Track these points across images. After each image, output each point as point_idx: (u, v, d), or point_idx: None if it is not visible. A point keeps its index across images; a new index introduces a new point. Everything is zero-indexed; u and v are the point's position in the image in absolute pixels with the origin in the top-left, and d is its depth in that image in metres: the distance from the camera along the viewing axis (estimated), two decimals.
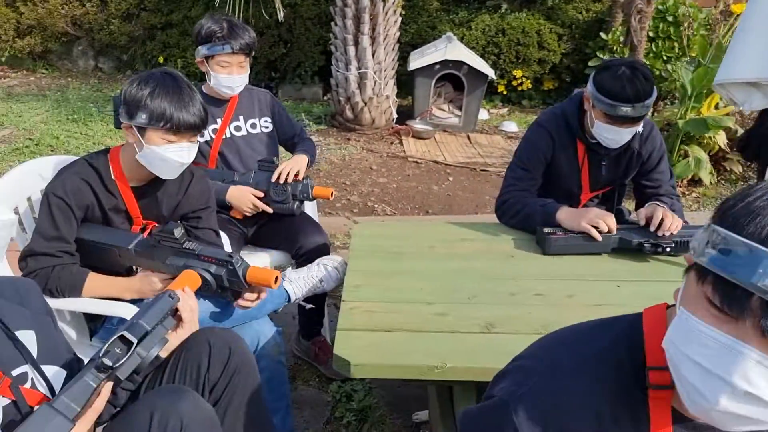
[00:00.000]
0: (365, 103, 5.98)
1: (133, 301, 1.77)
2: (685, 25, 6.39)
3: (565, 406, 0.89)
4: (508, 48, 7.10)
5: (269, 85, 7.45)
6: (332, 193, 2.45)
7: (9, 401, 1.15)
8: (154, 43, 7.80)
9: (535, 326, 1.55)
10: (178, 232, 1.73)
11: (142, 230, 1.87)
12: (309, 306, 2.17)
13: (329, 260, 2.06)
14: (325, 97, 7.49)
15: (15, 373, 1.17)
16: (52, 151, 5.32)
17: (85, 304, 1.74)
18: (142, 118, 1.68)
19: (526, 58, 7.12)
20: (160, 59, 7.76)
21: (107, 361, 1.20)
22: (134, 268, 1.88)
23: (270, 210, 2.42)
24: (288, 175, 2.39)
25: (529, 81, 7.27)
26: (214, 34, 2.32)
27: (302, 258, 2.32)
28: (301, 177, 2.44)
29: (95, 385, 1.18)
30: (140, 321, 1.29)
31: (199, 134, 1.80)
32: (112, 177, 1.79)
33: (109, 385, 1.24)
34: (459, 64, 5.98)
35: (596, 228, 1.96)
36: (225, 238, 2.18)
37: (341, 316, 1.59)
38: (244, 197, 2.37)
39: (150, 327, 1.30)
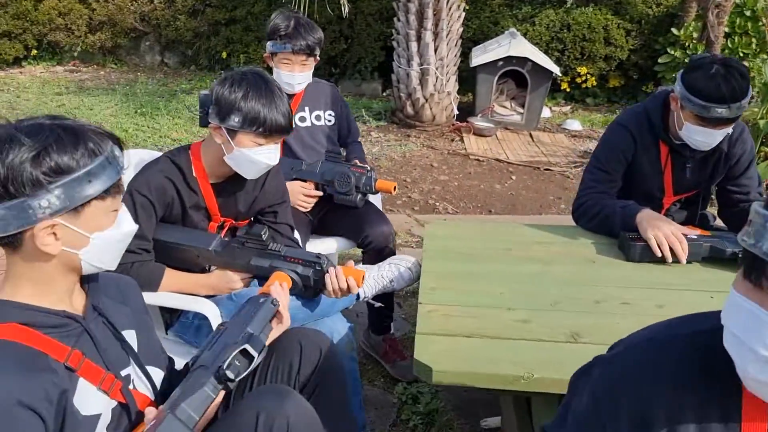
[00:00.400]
0: (426, 100, 5.92)
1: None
2: (764, 20, 6.09)
3: (647, 376, 0.87)
4: (572, 44, 6.90)
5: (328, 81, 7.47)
6: (395, 187, 2.44)
7: (117, 403, 1.15)
8: (218, 38, 7.94)
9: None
10: (265, 234, 1.74)
11: (220, 228, 1.88)
12: (378, 305, 2.15)
13: (401, 260, 2.02)
14: (385, 93, 7.47)
15: (123, 374, 1.18)
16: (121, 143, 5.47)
17: (169, 298, 1.76)
18: (234, 121, 1.69)
19: (591, 54, 6.90)
20: (224, 54, 7.90)
21: (230, 374, 1.19)
22: (208, 266, 1.89)
23: (319, 193, 2.43)
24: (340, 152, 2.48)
25: (593, 78, 7.06)
26: (278, 32, 2.34)
27: (368, 247, 2.33)
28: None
29: (214, 396, 1.18)
30: (259, 335, 1.29)
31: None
32: (194, 174, 1.80)
33: (222, 393, 1.24)
34: (522, 61, 5.85)
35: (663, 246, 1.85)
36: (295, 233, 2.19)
37: (420, 320, 1.55)
38: (293, 193, 2.37)
39: (264, 338, 1.31)
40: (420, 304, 1.64)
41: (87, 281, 1.20)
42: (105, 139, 1.09)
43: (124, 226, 1.15)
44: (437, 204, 4.42)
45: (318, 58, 2.47)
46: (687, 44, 6.34)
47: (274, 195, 1.98)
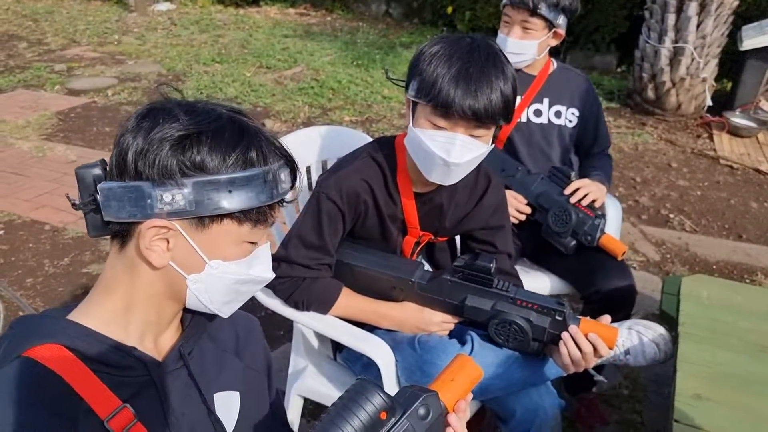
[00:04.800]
0: (674, 84, 4.98)
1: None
2: None
3: None
4: None
5: (556, 48, 6.72)
6: (624, 252, 1.82)
7: None
8: None
9: None
10: (493, 267, 1.33)
11: (416, 244, 1.48)
12: (599, 378, 1.61)
13: (647, 328, 1.46)
14: (619, 69, 6.55)
15: None
16: (333, 94, 5.38)
17: (334, 329, 1.42)
18: (413, 87, 1.28)
19: None
20: (449, 9, 7.48)
21: None
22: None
23: (529, 210, 1.92)
24: (582, 199, 1.83)
25: None
26: None
27: (597, 305, 1.76)
28: (601, 202, 1.87)
29: None
30: None
31: (488, 128, 1.30)
32: (396, 179, 1.41)
33: None
34: None
35: None
36: None
37: None
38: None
39: None
40: (675, 422, 1.11)
41: (190, 316, 0.92)
42: (275, 155, 0.83)
43: (257, 269, 0.87)
44: (671, 216, 3.64)
45: (559, 31, 1.92)
46: None
47: (492, 215, 1.53)
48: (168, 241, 0.80)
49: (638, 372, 2.30)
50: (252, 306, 2.52)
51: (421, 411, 0.84)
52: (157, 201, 0.77)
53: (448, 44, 1.27)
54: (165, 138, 0.77)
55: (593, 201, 1.85)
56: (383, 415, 0.80)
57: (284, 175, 0.83)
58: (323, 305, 1.42)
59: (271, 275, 0.89)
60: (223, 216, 0.80)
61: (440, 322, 1.41)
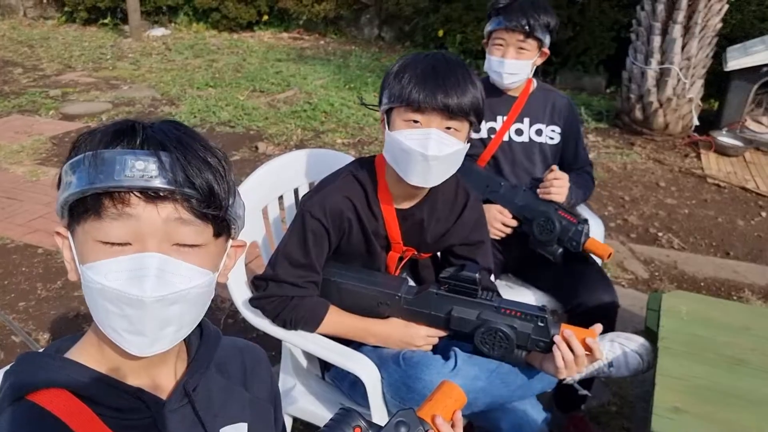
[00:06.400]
0: (661, 104, 5.07)
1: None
2: None
3: None
4: None
5: (545, 70, 6.82)
6: (610, 255, 1.86)
7: None
8: (437, 15, 7.64)
9: None
10: (478, 278, 1.38)
11: (400, 260, 1.51)
12: (584, 392, 1.64)
13: (628, 340, 1.49)
14: (608, 90, 6.65)
15: None
16: (325, 117, 5.44)
17: (320, 347, 1.44)
18: (385, 97, 1.36)
19: None
20: (440, 33, 7.60)
21: None
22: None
23: (515, 223, 1.95)
24: (549, 191, 1.89)
25: None
26: (496, 5, 1.91)
27: (580, 318, 1.79)
28: (560, 199, 1.92)
29: None
30: None
31: (461, 122, 1.36)
32: (377, 196, 1.46)
33: None
34: None
35: None
36: None
37: None
38: (488, 214, 1.89)
39: None
40: None
41: (197, 344, 0.88)
42: (136, 143, 0.72)
43: (114, 279, 0.71)
44: (660, 234, 3.69)
45: (545, 50, 1.98)
46: None
47: (472, 230, 1.58)
48: (68, 245, 0.75)
49: (627, 389, 2.32)
50: (244, 328, 2.53)
51: (402, 429, 0.86)
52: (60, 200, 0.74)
53: (412, 57, 1.38)
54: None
55: (554, 194, 1.90)
56: None
57: (131, 162, 0.70)
58: (311, 323, 1.44)
59: (134, 291, 0.71)
60: (73, 212, 0.73)
61: (425, 336, 1.44)
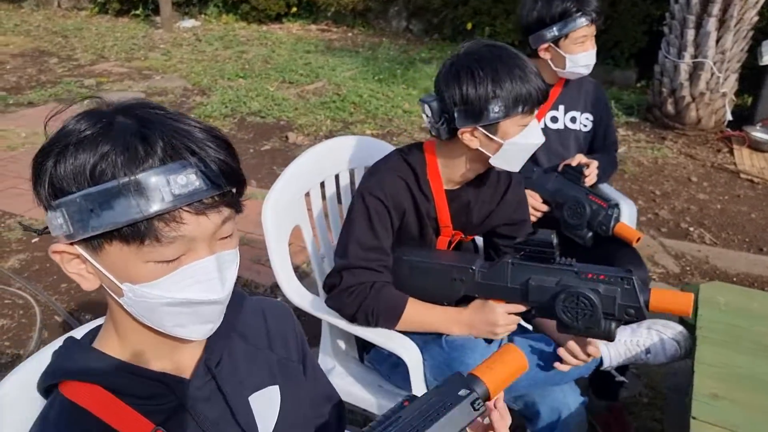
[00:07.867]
0: (693, 99, 5.01)
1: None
2: None
3: None
4: None
5: None
6: (639, 239, 1.87)
7: None
8: (466, 8, 7.62)
9: None
10: (554, 240, 1.30)
11: (449, 245, 1.54)
12: (621, 378, 1.65)
13: (666, 327, 1.51)
14: (638, 84, 6.58)
15: None
16: (354, 109, 5.47)
17: (364, 329, 1.45)
18: (494, 112, 1.33)
19: None
20: (468, 25, 7.58)
21: None
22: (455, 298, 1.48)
23: (546, 208, 1.98)
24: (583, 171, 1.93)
25: None
26: (567, 11, 1.91)
27: None
28: (590, 180, 1.95)
29: None
30: None
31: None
32: (427, 177, 1.48)
33: None
34: None
35: None
36: None
37: None
38: None
39: None
40: (693, 419, 1.15)
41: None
42: (160, 157, 0.69)
43: (189, 292, 0.73)
44: (691, 229, 3.66)
45: None
46: None
47: (515, 210, 1.61)
48: (85, 264, 0.75)
49: (658, 380, 2.32)
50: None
51: (462, 392, 0.87)
52: (53, 225, 0.72)
53: (483, 62, 1.34)
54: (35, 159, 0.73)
55: (587, 171, 1.94)
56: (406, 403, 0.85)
57: (172, 179, 0.68)
58: (393, 317, 1.41)
59: (212, 296, 0.74)
60: (105, 236, 0.70)
61: (504, 313, 1.38)
